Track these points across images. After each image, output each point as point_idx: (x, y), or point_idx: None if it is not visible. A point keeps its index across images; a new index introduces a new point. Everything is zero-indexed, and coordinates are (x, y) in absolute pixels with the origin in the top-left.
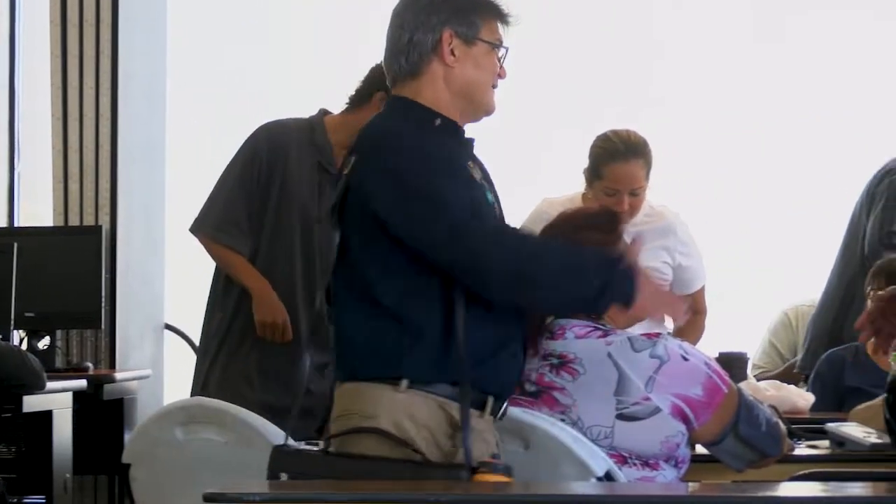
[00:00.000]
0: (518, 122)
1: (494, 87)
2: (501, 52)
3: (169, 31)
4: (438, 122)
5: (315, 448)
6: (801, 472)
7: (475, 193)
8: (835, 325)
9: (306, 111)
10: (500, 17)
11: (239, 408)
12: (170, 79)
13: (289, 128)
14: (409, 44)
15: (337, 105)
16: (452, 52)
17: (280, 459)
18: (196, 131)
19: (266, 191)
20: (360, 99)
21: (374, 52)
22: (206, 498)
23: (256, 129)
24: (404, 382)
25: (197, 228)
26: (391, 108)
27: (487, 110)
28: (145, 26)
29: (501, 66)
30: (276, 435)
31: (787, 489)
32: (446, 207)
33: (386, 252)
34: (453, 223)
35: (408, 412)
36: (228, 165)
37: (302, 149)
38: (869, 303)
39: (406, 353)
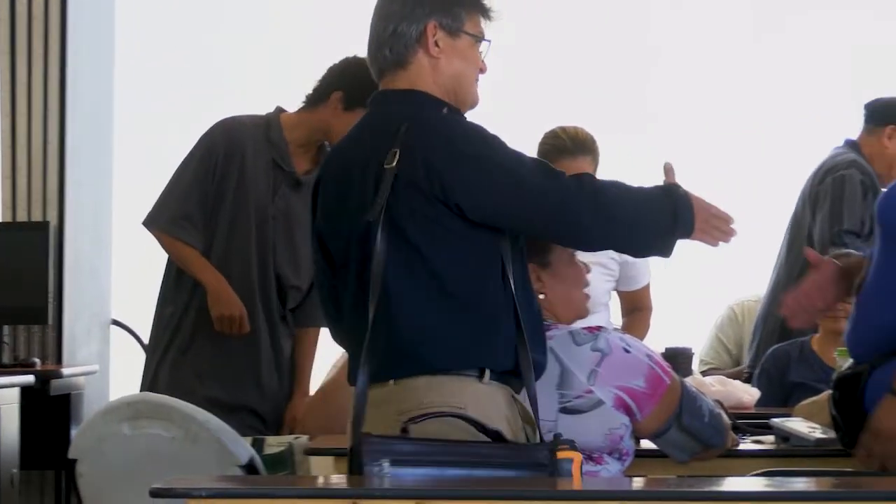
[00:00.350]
0: (518, 122)
1: (476, 80)
2: (484, 46)
3: (117, 28)
4: (445, 110)
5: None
6: (758, 472)
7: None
8: (785, 324)
9: (255, 108)
10: (483, 11)
11: (186, 403)
12: (117, 75)
13: (245, 125)
14: (394, 35)
15: (288, 101)
16: (437, 44)
17: (376, 446)
18: (144, 127)
19: (222, 187)
20: (317, 98)
21: (323, 46)
22: (153, 493)
23: (213, 126)
24: (488, 373)
25: (151, 223)
26: (404, 99)
27: (473, 103)
28: (93, 23)
29: (483, 60)
30: (223, 430)
31: (733, 484)
32: (529, 176)
33: (455, 242)
34: (542, 189)
35: (494, 402)
36: (184, 161)
37: (258, 146)
38: None
39: (484, 343)
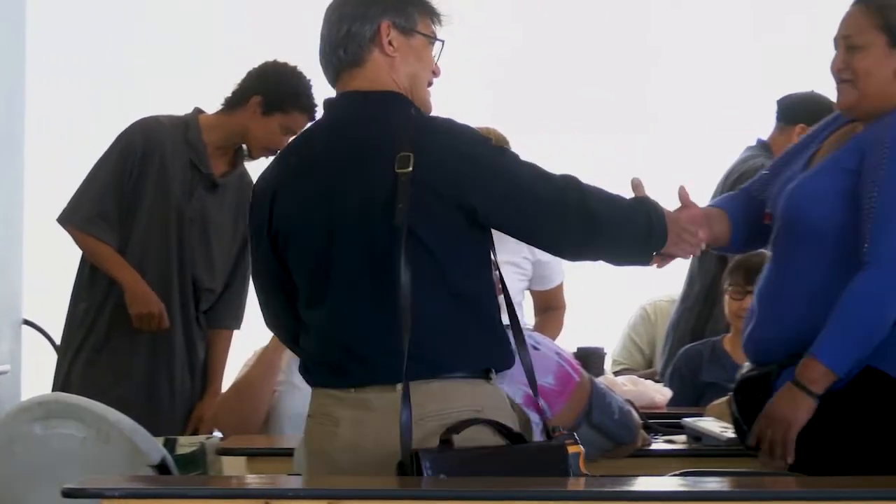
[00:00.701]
0: (518, 122)
1: (430, 84)
2: (437, 48)
3: (28, 25)
4: (413, 111)
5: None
6: (677, 472)
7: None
8: (697, 325)
9: (168, 104)
10: (433, 14)
11: (98, 403)
12: (29, 70)
13: (163, 125)
14: (348, 35)
15: (203, 101)
16: (391, 43)
17: (436, 460)
18: (56, 125)
19: (139, 186)
20: (235, 101)
21: (235, 46)
22: (65, 493)
23: (131, 125)
24: (494, 374)
25: (66, 220)
26: (382, 100)
27: (427, 108)
28: (3, 20)
29: (436, 63)
30: (135, 430)
31: (648, 484)
32: (543, 186)
33: (463, 245)
34: (554, 201)
35: (503, 402)
36: (101, 159)
37: (176, 146)
38: (727, 298)
39: (491, 345)
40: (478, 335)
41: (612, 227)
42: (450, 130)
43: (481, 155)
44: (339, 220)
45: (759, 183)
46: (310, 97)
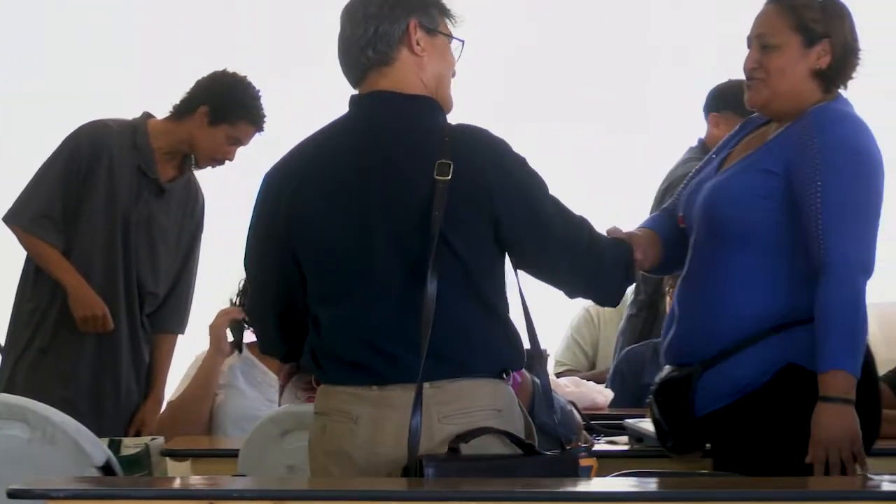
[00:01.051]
0: (518, 122)
1: (450, 83)
2: (456, 47)
3: None
4: (443, 117)
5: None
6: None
7: None
8: (644, 328)
9: (119, 109)
10: (448, 14)
11: (42, 404)
12: None
13: (111, 129)
14: (376, 35)
15: (154, 106)
16: (418, 43)
17: (440, 467)
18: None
19: (86, 188)
20: (183, 110)
21: (183, 52)
22: (10, 494)
23: (79, 127)
24: (508, 375)
25: (11, 219)
26: (420, 106)
27: (449, 107)
28: None
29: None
30: (80, 432)
31: (592, 484)
32: (562, 225)
33: (489, 251)
34: (568, 241)
35: (515, 402)
36: (48, 160)
37: (123, 150)
38: (668, 300)
39: (511, 346)
40: (497, 337)
41: (611, 270)
42: (488, 142)
43: (516, 171)
44: (372, 222)
45: (678, 201)
46: (258, 108)
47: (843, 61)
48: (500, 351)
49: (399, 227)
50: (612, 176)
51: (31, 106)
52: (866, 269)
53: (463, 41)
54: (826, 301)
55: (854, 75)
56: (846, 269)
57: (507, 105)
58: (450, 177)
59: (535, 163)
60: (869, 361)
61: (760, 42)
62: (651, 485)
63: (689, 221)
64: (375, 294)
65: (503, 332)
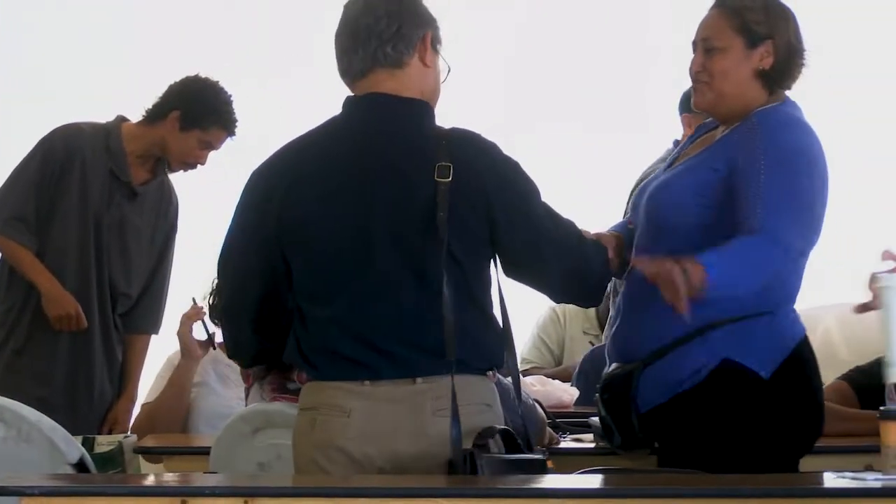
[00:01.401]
0: (518, 121)
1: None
2: (444, 69)
3: None
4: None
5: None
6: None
7: None
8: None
9: (119, 109)
10: (440, 41)
11: (18, 403)
12: None
13: (84, 132)
14: (398, 34)
15: (134, 110)
16: (428, 54)
17: (490, 462)
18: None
19: (58, 190)
20: (156, 114)
21: (183, 52)
22: None
23: (53, 130)
24: (494, 373)
25: None
26: (418, 110)
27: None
28: None
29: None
30: (54, 430)
31: (558, 481)
32: (554, 231)
33: (485, 261)
34: (561, 254)
35: (498, 398)
36: (22, 163)
37: (96, 153)
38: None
39: (496, 346)
40: (487, 335)
41: (597, 269)
42: (483, 146)
43: (511, 174)
44: (371, 222)
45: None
46: (229, 113)
47: (786, 62)
48: (490, 349)
49: (399, 227)
50: (611, 176)
51: (31, 106)
52: (787, 249)
53: (450, 68)
54: (739, 239)
55: (799, 76)
56: (768, 236)
57: (506, 105)
58: (450, 179)
59: (534, 163)
60: (809, 359)
61: (705, 45)
62: (614, 481)
63: (636, 221)
64: (373, 292)
65: (493, 330)
